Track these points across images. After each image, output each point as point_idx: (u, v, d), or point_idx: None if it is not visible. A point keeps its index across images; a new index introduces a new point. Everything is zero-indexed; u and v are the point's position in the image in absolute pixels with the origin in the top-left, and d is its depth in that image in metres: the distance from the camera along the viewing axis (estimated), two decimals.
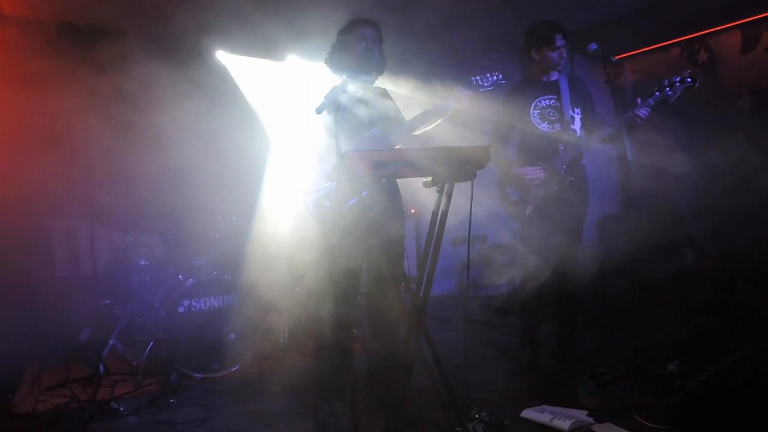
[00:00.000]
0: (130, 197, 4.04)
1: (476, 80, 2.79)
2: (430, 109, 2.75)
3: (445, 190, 2.28)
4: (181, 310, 3.49)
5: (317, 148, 2.74)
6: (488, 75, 2.80)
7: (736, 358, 2.26)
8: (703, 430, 2.30)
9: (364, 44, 2.71)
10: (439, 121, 2.79)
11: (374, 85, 2.86)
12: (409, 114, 2.87)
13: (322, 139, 2.71)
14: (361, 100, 2.70)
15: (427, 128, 2.81)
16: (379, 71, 2.81)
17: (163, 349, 3.39)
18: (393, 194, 2.77)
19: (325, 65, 2.85)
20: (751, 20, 4.51)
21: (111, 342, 3.60)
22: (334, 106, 2.27)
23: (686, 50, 5.00)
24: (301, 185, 2.63)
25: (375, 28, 2.77)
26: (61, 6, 4.06)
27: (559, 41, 3.20)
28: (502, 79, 2.83)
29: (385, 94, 2.89)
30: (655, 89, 3.00)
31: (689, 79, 2.95)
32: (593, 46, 3.06)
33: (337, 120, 2.27)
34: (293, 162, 3.50)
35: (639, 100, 3.00)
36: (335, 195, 2.58)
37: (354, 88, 2.63)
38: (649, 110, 2.99)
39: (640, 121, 2.98)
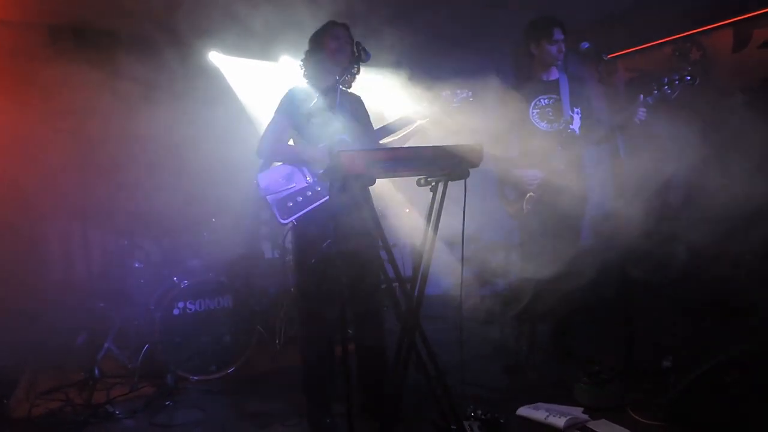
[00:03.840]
0: (123, 200, 4.03)
1: (445, 96, 2.81)
2: (396, 121, 2.77)
3: (439, 188, 2.29)
4: (176, 312, 3.48)
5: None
6: (458, 92, 2.83)
7: (729, 354, 2.28)
8: (698, 425, 2.32)
9: (336, 43, 2.73)
10: (405, 133, 2.81)
11: (350, 91, 2.88)
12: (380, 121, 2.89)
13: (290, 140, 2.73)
14: (332, 105, 2.70)
15: (394, 139, 2.84)
16: (354, 73, 2.82)
17: (159, 351, 3.38)
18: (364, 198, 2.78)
19: (300, 70, 2.86)
20: (742, 18, 4.53)
21: (106, 345, 3.59)
22: (328, 106, 2.29)
23: (678, 49, 5.02)
24: (265, 186, 2.64)
25: (345, 29, 2.80)
26: (52, 9, 4.04)
27: (558, 35, 3.21)
28: (470, 97, 2.85)
29: (359, 100, 2.92)
30: (654, 88, 3.00)
31: (689, 78, 2.96)
32: (585, 44, 3.07)
33: (330, 120, 2.29)
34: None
35: (641, 96, 3.01)
36: (300, 197, 2.60)
37: (329, 91, 2.63)
38: (646, 110, 3.00)
39: (638, 122, 2.99)
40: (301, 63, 2.85)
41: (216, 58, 4.54)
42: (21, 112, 3.91)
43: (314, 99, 2.62)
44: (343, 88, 2.76)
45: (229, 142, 4.33)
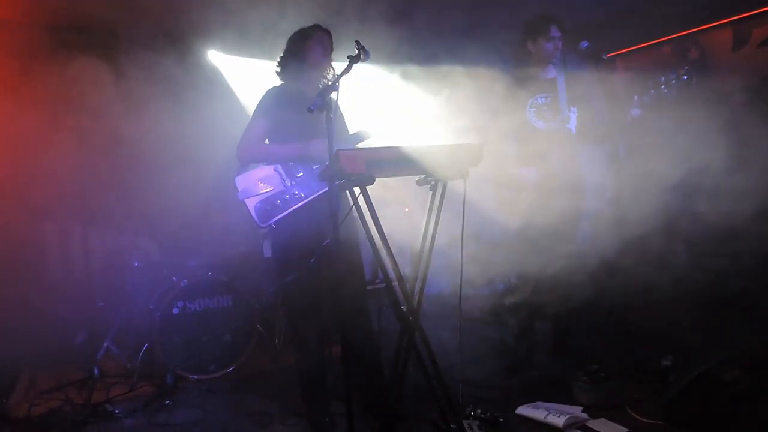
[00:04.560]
0: (122, 199, 4.02)
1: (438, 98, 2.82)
2: (359, 132, 2.77)
3: (438, 188, 2.29)
4: (175, 311, 3.49)
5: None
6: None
7: (728, 353, 2.29)
8: (696, 424, 2.32)
9: (322, 49, 2.74)
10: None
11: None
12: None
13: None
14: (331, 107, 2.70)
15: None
16: (330, 78, 2.83)
17: (158, 350, 3.38)
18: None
19: (277, 69, 2.85)
20: (741, 17, 4.54)
21: (106, 344, 3.60)
22: (327, 104, 2.28)
23: (678, 48, 5.02)
24: (243, 189, 2.64)
25: (329, 35, 2.81)
26: (51, 8, 4.03)
27: (554, 32, 3.22)
28: (450, 98, 2.85)
29: (335, 103, 2.92)
30: (651, 87, 3.01)
31: (685, 77, 2.96)
32: (585, 43, 3.07)
33: (328, 118, 2.29)
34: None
35: (636, 97, 3.01)
36: (278, 200, 2.61)
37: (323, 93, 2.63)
38: (643, 109, 3.00)
39: (635, 120, 2.99)
40: (279, 63, 2.84)
41: (215, 57, 4.53)
42: (20, 112, 3.90)
43: (295, 100, 2.62)
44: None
45: (228, 141, 4.30)
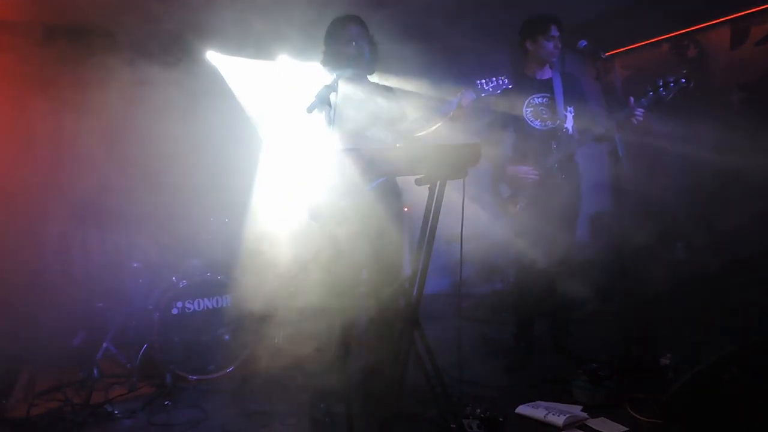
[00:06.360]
0: (121, 199, 4.02)
1: (481, 84, 2.77)
2: (432, 111, 2.74)
3: (437, 187, 2.29)
4: (174, 311, 3.48)
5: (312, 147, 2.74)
6: (494, 79, 2.77)
7: (727, 351, 2.29)
8: (696, 423, 2.32)
9: (354, 42, 2.71)
10: (441, 122, 2.78)
11: (375, 82, 2.85)
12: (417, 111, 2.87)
13: (318, 139, 2.71)
14: (356, 99, 2.69)
15: (429, 129, 2.81)
16: (374, 66, 2.81)
17: (158, 351, 3.37)
18: (394, 193, 2.78)
19: (322, 68, 2.84)
20: (739, 15, 4.55)
21: (105, 345, 3.59)
22: (325, 104, 2.28)
23: (676, 46, 5.03)
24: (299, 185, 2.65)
25: (359, 24, 2.76)
26: (48, 8, 4.03)
27: (554, 31, 3.22)
28: (508, 84, 2.81)
29: (385, 91, 2.87)
30: (649, 89, 3.00)
31: (683, 80, 2.95)
32: (583, 42, 3.08)
33: (328, 119, 2.28)
34: (285, 161, 3.50)
35: (632, 99, 3.00)
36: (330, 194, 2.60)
37: (348, 86, 2.62)
38: (644, 111, 2.99)
39: (636, 122, 2.98)
40: (322, 60, 2.81)
41: (213, 57, 4.53)
42: (17, 112, 3.90)
43: (334, 93, 2.60)
44: (367, 80, 2.77)
45: (227, 141, 4.32)
